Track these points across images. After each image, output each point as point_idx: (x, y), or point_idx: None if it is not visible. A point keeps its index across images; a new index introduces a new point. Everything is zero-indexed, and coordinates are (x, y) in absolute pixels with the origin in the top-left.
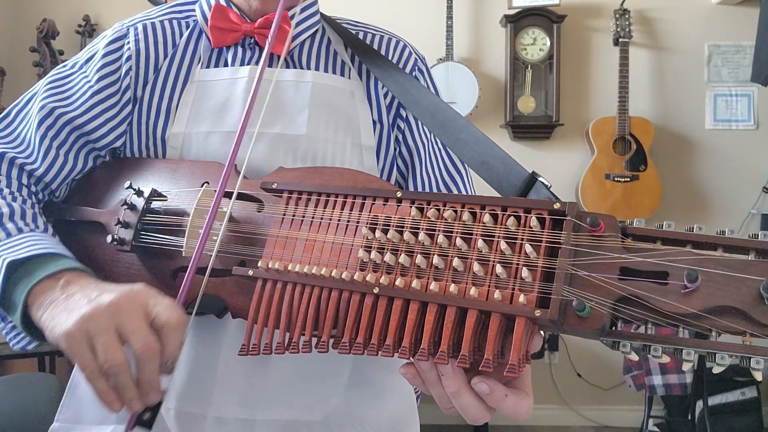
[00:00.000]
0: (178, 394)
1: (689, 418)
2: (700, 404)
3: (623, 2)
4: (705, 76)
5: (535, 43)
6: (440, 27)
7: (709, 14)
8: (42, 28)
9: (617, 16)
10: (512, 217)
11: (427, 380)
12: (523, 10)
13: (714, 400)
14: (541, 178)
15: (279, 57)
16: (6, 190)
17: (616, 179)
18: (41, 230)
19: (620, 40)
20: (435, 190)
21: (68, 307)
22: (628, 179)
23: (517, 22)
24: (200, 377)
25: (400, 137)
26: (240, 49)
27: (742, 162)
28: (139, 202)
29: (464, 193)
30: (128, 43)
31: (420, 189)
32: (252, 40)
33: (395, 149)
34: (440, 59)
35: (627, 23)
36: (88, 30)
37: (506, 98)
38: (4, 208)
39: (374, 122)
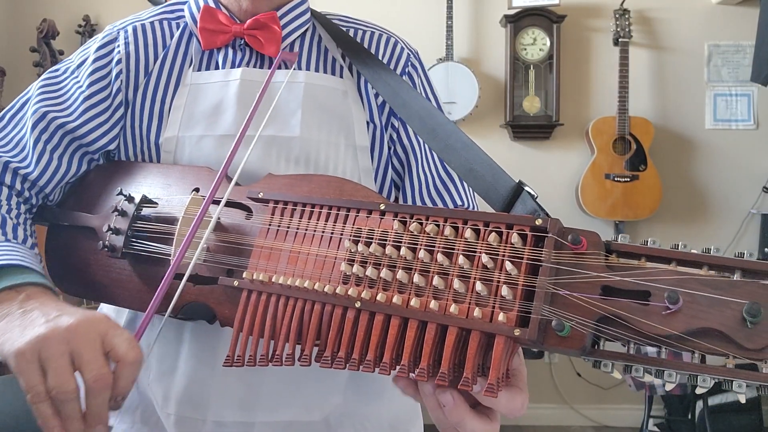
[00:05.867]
0: (177, 400)
1: (689, 417)
2: (700, 404)
3: (623, 2)
4: (705, 76)
5: (535, 43)
6: (440, 27)
7: (709, 14)
8: (42, 28)
9: (617, 16)
10: (494, 233)
11: (427, 404)
12: (523, 10)
13: (714, 400)
14: (527, 188)
15: (270, 58)
16: None
17: (616, 179)
18: (18, 242)
19: (620, 40)
20: (432, 189)
21: (23, 324)
22: (628, 179)
23: (517, 22)
24: (199, 382)
25: (395, 136)
26: (230, 51)
27: (742, 162)
28: (130, 209)
29: (460, 192)
30: (118, 46)
31: (416, 188)
32: (242, 42)
33: (390, 149)
34: (440, 59)
35: (627, 23)
36: (88, 30)
37: (506, 98)
38: None
39: (367, 122)
